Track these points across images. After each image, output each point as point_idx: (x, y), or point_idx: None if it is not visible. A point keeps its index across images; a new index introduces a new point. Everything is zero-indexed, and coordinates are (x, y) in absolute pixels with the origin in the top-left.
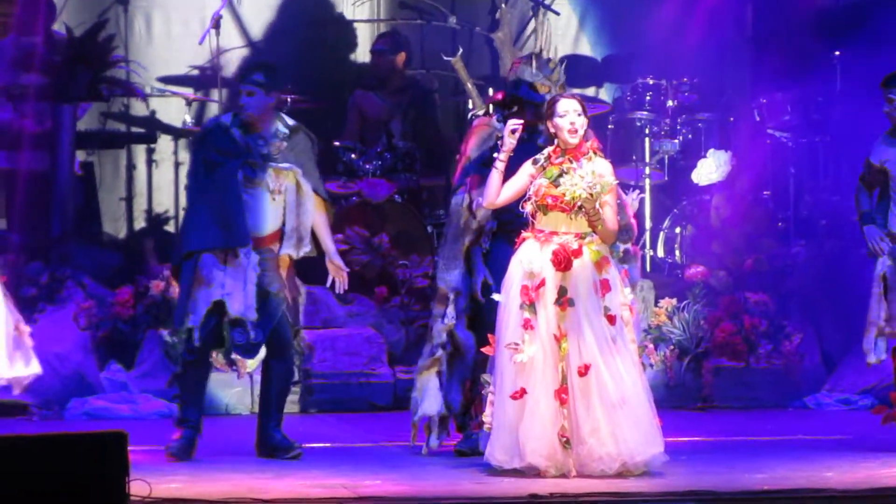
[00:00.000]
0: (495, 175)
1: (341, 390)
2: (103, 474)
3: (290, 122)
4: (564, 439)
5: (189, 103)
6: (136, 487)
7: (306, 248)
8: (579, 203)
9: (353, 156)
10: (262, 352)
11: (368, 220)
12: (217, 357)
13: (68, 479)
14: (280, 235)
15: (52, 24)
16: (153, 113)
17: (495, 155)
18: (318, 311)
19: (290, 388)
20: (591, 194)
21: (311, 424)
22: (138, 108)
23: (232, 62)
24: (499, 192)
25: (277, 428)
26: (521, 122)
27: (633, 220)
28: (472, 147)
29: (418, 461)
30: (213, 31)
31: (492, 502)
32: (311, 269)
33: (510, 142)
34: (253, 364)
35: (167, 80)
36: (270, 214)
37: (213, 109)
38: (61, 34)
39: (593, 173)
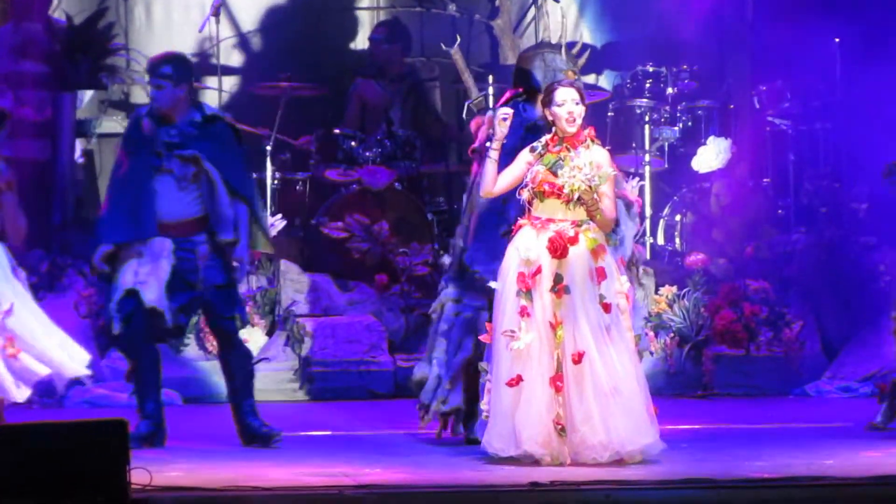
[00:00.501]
0: (490, 165)
1: (341, 378)
2: (104, 462)
3: (210, 110)
4: (560, 427)
5: None
6: (137, 475)
7: (223, 236)
8: (578, 195)
9: (352, 143)
10: (262, 338)
11: (368, 207)
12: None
13: (69, 467)
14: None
15: (49, 11)
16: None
17: (488, 144)
18: (319, 299)
19: (253, 371)
20: (590, 186)
21: (311, 412)
22: (138, 96)
23: (232, 50)
24: (495, 180)
25: (253, 416)
26: (511, 110)
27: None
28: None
29: (419, 449)
30: (213, 19)
31: (493, 490)
32: (312, 256)
33: (501, 130)
34: (253, 351)
35: None
36: (182, 202)
37: (212, 97)
38: (61, 22)
39: (591, 164)
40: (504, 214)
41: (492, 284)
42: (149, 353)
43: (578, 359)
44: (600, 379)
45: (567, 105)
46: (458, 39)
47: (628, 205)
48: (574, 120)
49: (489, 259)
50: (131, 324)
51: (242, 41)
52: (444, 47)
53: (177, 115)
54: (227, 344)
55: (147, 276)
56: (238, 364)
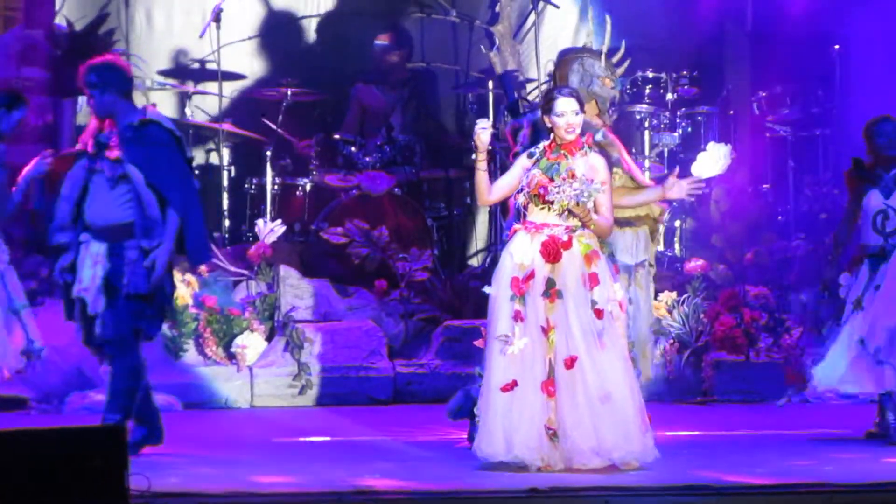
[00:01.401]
0: (479, 175)
1: (340, 384)
2: (102, 468)
3: (150, 115)
4: (551, 432)
5: (189, 97)
6: (136, 481)
7: (147, 243)
8: (567, 208)
9: (352, 149)
10: (261, 343)
11: (368, 213)
12: (216, 350)
13: (68, 473)
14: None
15: (53, 18)
16: (154, 106)
17: (475, 156)
18: (318, 305)
19: (128, 388)
20: (578, 202)
21: (310, 418)
22: (138, 102)
23: (233, 55)
24: (488, 190)
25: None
26: (489, 122)
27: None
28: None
29: (418, 455)
30: (213, 25)
31: (492, 495)
32: (312, 261)
33: (482, 142)
34: (252, 357)
35: (167, 73)
36: (113, 205)
37: (213, 103)
38: (62, 28)
39: (582, 178)
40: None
41: (486, 289)
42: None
43: (570, 364)
44: (591, 385)
45: (567, 116)
46: (497, 44)
47: None
48: (573, 130)
49: None
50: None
51: (243, 47)
52: (483, 50)
53: (116, 120)
54: (116, 351)
55: (88, 284)
56: (119, 376)
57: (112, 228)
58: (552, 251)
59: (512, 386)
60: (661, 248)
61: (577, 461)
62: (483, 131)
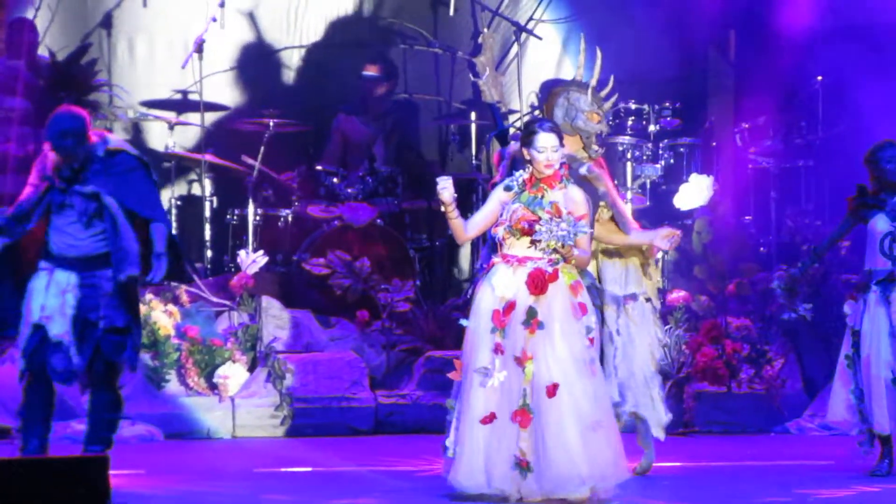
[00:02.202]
0: (453, 224)
1: (322, 414)
2: (85, 498)
3: (114, 144)
4: (523, 462)
5: (171, 127)
6: None
7: (127, 272)
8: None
9: (335, 180)
10: (243, 374)
11: (350, 243)
12: (198, 381)
13: (50, 502)
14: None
15: (35, 49)
16: (136, 136)
17: (443, 209)
18: (300, 335)
19: (110, 420)
20: (565, 245)
21: (292, 448)
22: (121, 132)
23: (215, 86)
24: (464, 231)
25: None
26: (449, 180)
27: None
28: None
29: (399, 486)
30: (195, 56)
31: None
32: (294, 292)
33: (446, 198)
34: (234, 388)
35: (150, 103)
36: (85, 238)
37: (195, 133)
38: (45, 58)
39: (570, 221)
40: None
41: (462, 322)
42: (43, 390)
43: (553, 392)
44: (583, 411)
45: (546, 153)
46: (487, 72)
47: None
48: (551, 166)
49: None
50: (34, 359)
51: (225, 77)
52: (472, 78)
53: (78, 152)
54: (97, 382)
55: (53, 311)
56: (100, 406)
57: (83, 259)
58: (539, 283)
59: (491, 418)
60: (660, 284)
61: (563, 490)
62: (444, 190)
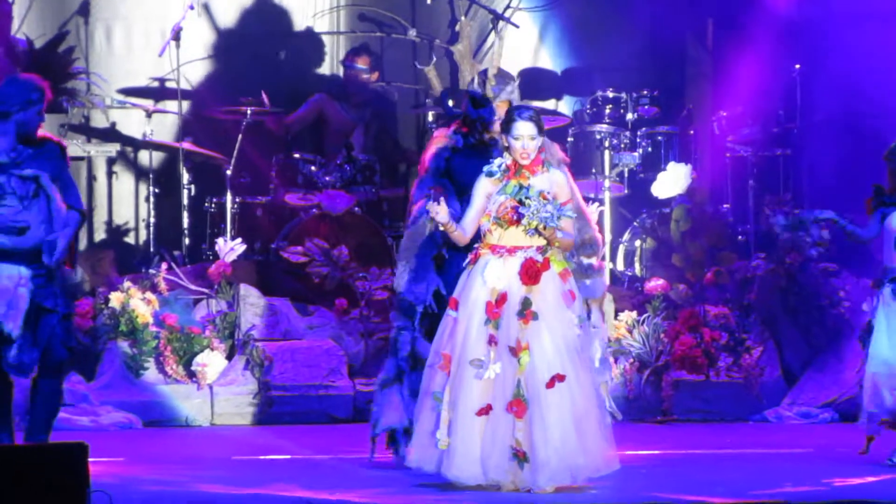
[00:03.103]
0: (455, 237)
1: (300, 402)
2: (64, 486)
3: (41, 132)
4: (521, 454)
5: (149, 115)
6: (97, 499)
7: (58, 256)
8: (535, 228)
9: (312, 168)
10: (221, 362)
11: (328, 232)
12: (177, 369)
13: (29, 490)
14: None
15: (8, 34)
16: (113, 125)
17: (442, 229)
18: (278, 323)
19: (58, 409)
20: (547, 226)
21: (270, 436)
22: (98, 120)
23: (192, 74)
24: (465, 234)
25: None
26: (437, 204)
27: (598, 235)
28: (430, 158)
29: (379, 474)
30: (173, 43)
31: None
32: (271, 280)
33: (443, 219)
34: (212, 375)
35: (127, 91)
36: (27, 224)
37: (172, 121)
38: (22, 43)
39: (556, 205)
40: (432, 237)
41: (450, 313)
42: (4, 383)
43: (553, 383)
44: (578, 402)
45: (523, 140)
46: (434, 59)
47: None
48: (527, 155)
49: (413, 280)
50: None
51: (202, 65)
52: (418, 66)
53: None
54: (45, 372)
55: (2, 305)
56: (48, 395)
57: (32, 251)
58: (532, 273)
59: (487, 410)
60: (621, 267)
61: (555, 481)
62: (438, 215)
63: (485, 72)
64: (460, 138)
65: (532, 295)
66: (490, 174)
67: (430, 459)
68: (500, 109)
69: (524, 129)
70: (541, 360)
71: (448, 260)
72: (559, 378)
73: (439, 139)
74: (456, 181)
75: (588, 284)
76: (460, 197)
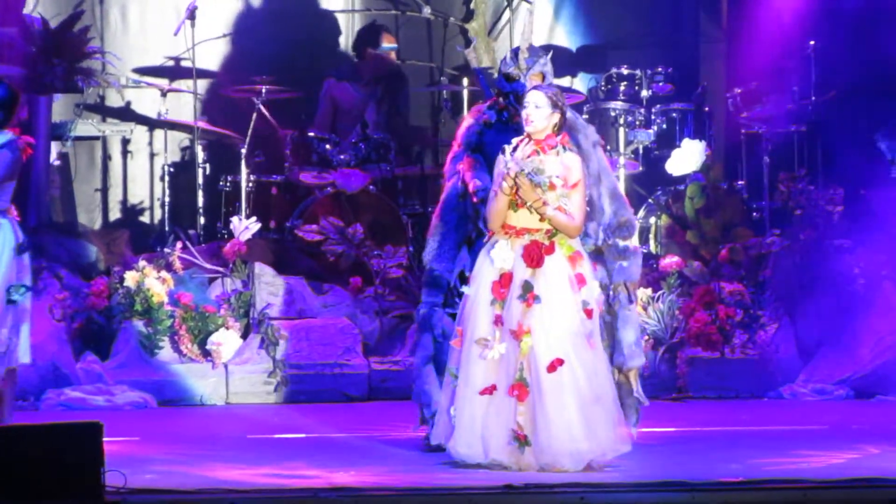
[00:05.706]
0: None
1: (315, 381)
2: (78, 465)
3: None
4: (522, 437)
5: (164, 94)
6: (111, 478)
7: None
8: (514, 181)
9: (327, 146)
10: (236, 340)
11: (342, 210)
12: (192, 348)
13: (43, 469)
14: None
15: (27, 15)
16: (128, 104)
17: (498, 189)
18: (293, 302)
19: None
20: (527, 175)
21: (285, 415)
22: (113, 99)
23: (207, 53)
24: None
25: None
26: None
27: (634, 218)
28: (462, 133)
29: (393, 452)
30: (187, 22)
31: (467, 493)
32: (286, 259)
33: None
34: (227, 354)
35: (142, 70)
36: None
37: (187, 100)
38: (38, 21)
39: (539, 164)
40: (466, 213)
41: (463, 289)
42: None
43: (555, 367)
44: (582, 386)
45: (528, 108)
46: (474, 41)
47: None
48: (529, 123)
49: (448, 259)
50: None
51: (217, 44)
52: (457, 48)
53: None
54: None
55: None
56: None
57: None
58: (535, 256)
59: (491, 390)
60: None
61: (563, 464)
62: (512, 160)
63: (517, 48)
64: (494, 113)
65: (535, 278)
66: (503, 151)
67: (448, 436)
68: (534, 83)
69: (531, 96)
70: (542, 345)
71: (476, 240)
72: (558, 362)
73: (473, 114)
74: (488, 156)
75: (625, 266)
76: (492, 171)
